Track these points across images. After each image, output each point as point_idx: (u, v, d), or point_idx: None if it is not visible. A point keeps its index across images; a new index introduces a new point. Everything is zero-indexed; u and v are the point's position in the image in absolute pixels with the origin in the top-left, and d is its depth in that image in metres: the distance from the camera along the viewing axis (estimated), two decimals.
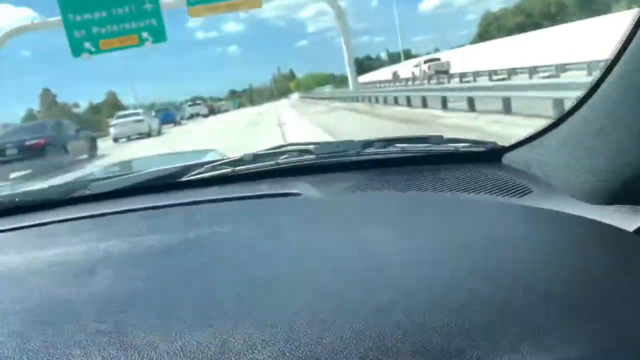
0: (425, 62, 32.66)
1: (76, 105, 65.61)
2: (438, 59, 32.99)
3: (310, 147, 1.16)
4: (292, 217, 0.87)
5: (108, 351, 0.47)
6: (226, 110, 65.73)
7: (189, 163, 1.21)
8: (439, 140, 1.12)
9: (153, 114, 31.95)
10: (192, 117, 44.79)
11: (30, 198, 1.17)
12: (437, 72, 29.21)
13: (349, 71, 26.98)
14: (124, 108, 49.14)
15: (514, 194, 0.84)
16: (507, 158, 1.02)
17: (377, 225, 0.75)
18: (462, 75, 24.75)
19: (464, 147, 1.09)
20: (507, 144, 1.03)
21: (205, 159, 1.41)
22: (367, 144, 1.12)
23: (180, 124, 36.30)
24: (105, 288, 0.62)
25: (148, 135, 22.44)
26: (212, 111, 52.76)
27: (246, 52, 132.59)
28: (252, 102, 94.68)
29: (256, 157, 1.16)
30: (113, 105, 63.58)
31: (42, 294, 0.63)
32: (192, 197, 1.03)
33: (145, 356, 0.46)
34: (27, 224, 1.00)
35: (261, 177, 1.11)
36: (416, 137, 1.15)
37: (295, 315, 0.50)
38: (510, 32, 44.20)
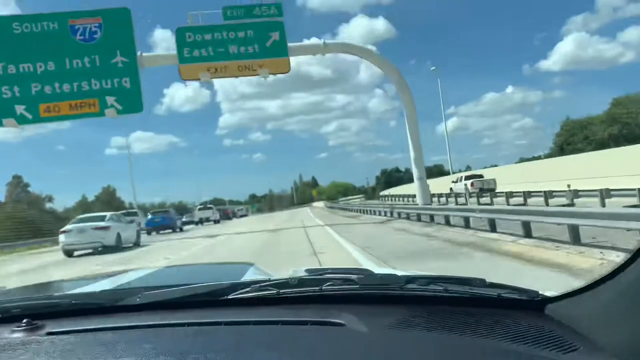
0: (467, 178, 30.91)
1: (49, 198, 57.94)
2: (481, 176, 31.49)
3: (354, 276, 1.19)
4: (335, 348, 0.89)
5: None
6: (244, 215, 63.21)
7: (236, 281, 1.27)
8: (481, 283, 1.14)
9: (135, 217, 26.56)
10: (201, 222, 42.38)
11: (85, 301, 1.23)
12: (482, 190, 27.83)
13: (417, 185, 20.82)
14: (121, 207, 44.47)
15: (557, 349, 0.84)
16: (551, 309, 1.02)
17: None
18: (509, 195, 23.03)
19: (506, 293, 1.10)
20: (550, 294, 1.05)
21: (246, 275, 1.60)
22: (410, 279, 1.15)
23: (180, 230, 31.73)
24: None
25: (116, 247, 17.49)
26: (227, 216, 50.77)
27: (269, 160, 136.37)
28: (272, 208, 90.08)
29: (301, 282, 1.20)
30: (106, 202, 57.68)
31: None
32: (237, 316, 1.08)
33: None
34: (80, 327, 1.05)
35: (305, 302, 1.14)
36: (459, 278, 1.17)
37: None
38: (602, 144, 39.41)
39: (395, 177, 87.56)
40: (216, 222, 41.59)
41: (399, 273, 1.27)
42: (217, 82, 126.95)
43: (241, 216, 56.84)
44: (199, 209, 46.04)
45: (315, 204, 75.56)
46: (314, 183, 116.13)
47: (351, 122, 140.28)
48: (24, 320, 1.04)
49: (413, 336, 0.93)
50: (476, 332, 0.92)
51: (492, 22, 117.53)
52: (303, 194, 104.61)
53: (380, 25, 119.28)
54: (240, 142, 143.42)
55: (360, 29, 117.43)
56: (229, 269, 2.35)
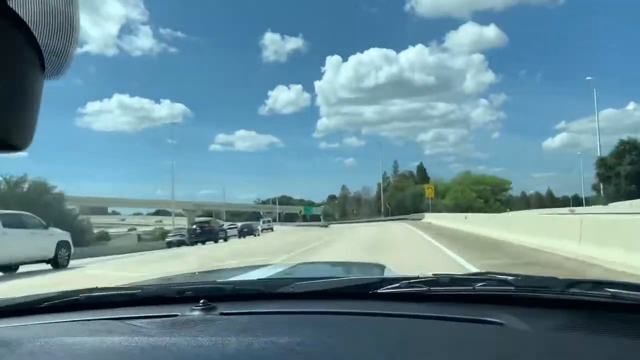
0: None
1: None
2: None
3: (510, 278, 1.17)
4: (497, 346, 0.88)
5: None
6: (267, 229, 53.02)
7: (385, 277, 1.33)
8: None
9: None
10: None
11: (247, 287, 1.37)
12: None
13: None
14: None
15: None
16: None
17: None
18: None
19: None
20: None
21: (385, 273, 1.67)
22: (573, 283, 1.11)
23: (224, 240, 33.83)
24: None
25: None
26: (206, 234, 32.87)
27: (361, 165, 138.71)
28: (345, 215, 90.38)
29: (452, 280, 1.19)
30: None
31: None
32: (388, 309, 1.08)
33: None
34: (247, 310, 1.14)
35: (455, 301, 1.13)
36: (626, 283, 1.10)
37: None
38: None
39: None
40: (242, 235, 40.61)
41: (559, 276, 1.20)
42: (318, 86, 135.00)
43: (258, 229, 45.37)
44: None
45: (429, 216, 41.63)
46: (422, 175, 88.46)
47: (450, 132, 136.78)
48: (201, 301, 1.15)
49: (580, 338, 0.91)
50: None
51: (612, 34, 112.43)
52: (399, 196, 75.92)
53: (491, 32, 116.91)
54: (335, 145, 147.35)
55: (469, 35, 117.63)
56: (364, 267, 2.43)
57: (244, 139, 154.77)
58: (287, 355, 0.81)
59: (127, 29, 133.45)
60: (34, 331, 1.05)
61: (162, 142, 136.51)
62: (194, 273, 2.34)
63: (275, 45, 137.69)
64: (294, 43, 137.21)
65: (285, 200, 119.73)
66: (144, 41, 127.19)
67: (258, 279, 1.58)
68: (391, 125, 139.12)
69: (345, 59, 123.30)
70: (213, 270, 3.30)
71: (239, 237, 38.84)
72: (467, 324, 0.99)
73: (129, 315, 1.13)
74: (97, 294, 1.31)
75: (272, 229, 55.99)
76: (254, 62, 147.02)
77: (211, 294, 1.23)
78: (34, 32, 0.43)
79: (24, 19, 0.43)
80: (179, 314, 1.12)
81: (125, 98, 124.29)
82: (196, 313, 1.12)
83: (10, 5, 0.41)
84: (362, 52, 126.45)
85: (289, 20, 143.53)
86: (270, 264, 2.89)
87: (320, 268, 2.72)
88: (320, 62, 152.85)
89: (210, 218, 44.92)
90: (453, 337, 0.91)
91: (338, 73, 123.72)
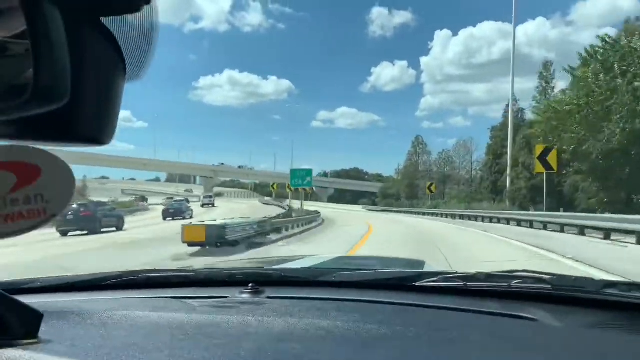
0: None
1: None
2: None
3: (546, 276, 1.19)
4: (530, 340, 0.89)
5: None
6: (209, 204, 52.64)
7: (424, 271, 1.42)
8: None
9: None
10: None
11: (292, 275, 1.44)
12: None
13: None
14: None
15: None
16: None
17: None
18: None
19: None
20: None
21: (425, 268, 1.74)
22: (609, 284, 1.12)
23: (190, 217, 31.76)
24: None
25: None
26: (86, 221, 20.99)
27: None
28: (413, 196, 59.82)
29: (489, 277, 1.22)
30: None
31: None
32: (426, 301, 1.12)
33: None
34: (292, 295, 1.22)
35: (491, 297, 1.15)
36: None
37: None
38: None
39: None
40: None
41: (595, 277, 1.25)
42: (424, 62, 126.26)
43: (176, 215, 33.81)
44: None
45: None
46: None
47: None
48: (250, 285, 1.24)
49: (612, 337, 0.91)
50: None
51: None
52: None
53: (627, 2, 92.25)
54: (439, 125, 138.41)
55: (600, 7, 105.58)
56: (404, 262, 2.43)
57: (345, 117, 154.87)
58: (327, 336, 0.86)
59: (238, 4, 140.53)
60: (101, 305, 1.15)
61: (267, 118, 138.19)
62: (245, 260, 2.63)
63: (382, 19, 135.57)
64: (402, 17, 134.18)
65: (355, 175, 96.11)
66: (253, 17, 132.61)
67: (303, 268, 1.68)
68: (502, 105, 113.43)
69: (455, 33, 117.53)
70: (263, 259, 3.57)
71: (164, 219, 32.90)
72: (502, 318, 1.02)
73: (184, 295, 1.23)
74: (155, 274, 1.43)
75: (213, 205, 53.90)
76: (359, 38, 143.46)
77: (259, 279, 1.31)
78: (120, 44, 0.51)
79: (113, 32, 0.50)
80: (229, 295, 1.22)
81: (234, 74, 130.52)
82: (245, 296, 1.21)
83: (103, 21, 0.49)
84: (474, 25, 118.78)
85: None
86: (315, 255, 3.03)
87: (362, 260, 2.92)
88: (428, 36, 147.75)
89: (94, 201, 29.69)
90: (487, 330, 0.94)
91: (447, 48, 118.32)
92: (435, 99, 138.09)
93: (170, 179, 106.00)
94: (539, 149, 26.09)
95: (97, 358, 0.68)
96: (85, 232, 20.55)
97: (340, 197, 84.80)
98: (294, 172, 31.38)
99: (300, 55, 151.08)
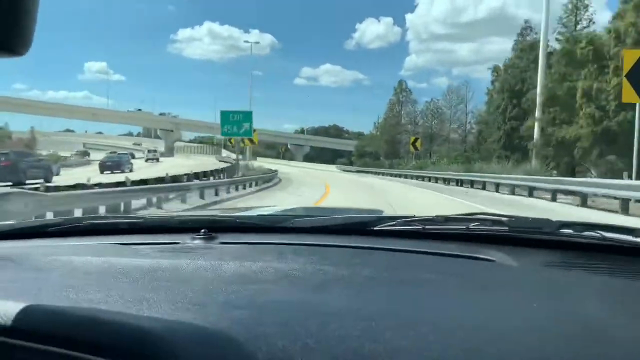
0: None
1: None
2: None
3: (503, 219, 1.19)
4: (488, 280, 0.91)
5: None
6: (153, 159, 49.85)
7: (383, 215, 1.37)
8: None
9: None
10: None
11: (248, 221, 1.41)
12: None
13: None
14: None
15: None
16: None
17: (585, 301, 0.76)
18: None
19: None
20: None
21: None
22: (565, 224, 1.12)
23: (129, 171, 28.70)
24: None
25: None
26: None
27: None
28: (395, 153, 50.61)
29: (447, 220, 1.22)
30: None
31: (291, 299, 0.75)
32: (386, 244, 1.12)
33: None
34: (246, 240, 1.19)
35: (450, 239, 1.15)
36: (618, 226, 1.11)
37: None
38: None
39: None
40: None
41: (553, 218, 1.20)
42: (409, 19, 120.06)
43: (115, 168, 31.67)
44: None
45: None
46: None
47: None
48: (202, 230, 1.20)
49: (568, 275, 0.93)
50: None
51: None
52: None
53: None
54: (423, 85, 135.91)
55: None
56: (363, 211, 2.31)
57: (329, 74, 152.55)
58: (282, 279, 0.84)
59: None
60: (41, 251, 1.12)
61: (247, 73, 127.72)
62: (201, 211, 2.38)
63: None
64: None
65: (334, 132, 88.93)
66: None
67: (258, 215, 1.60)
68: (486, 66, 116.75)
69: None
70: (215, 208, 3.40)
71: (101, 172, 29.88)
72: (460, 259, 1.02)
73: (131, 242, 1.18)
74: (101, 221, 1.39)
75: (157, 160, 50.89)
76: None
77: (213, 226, 1.26)
78: None
79: None
80: (180, 241, 1.17)
81: (215, 26, 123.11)
82: (197, 242, 1.17)
83: None
84: None
85: None
86: (272, 205, 2.86)
87: (322, 209, 2.79)
88: None
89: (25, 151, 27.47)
90: (445, 271, 0.94)
91: (433, 5, 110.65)
92: (419, 58, 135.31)
93: (147, 134, 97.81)
94: (630, 57, 13.37)
95: (29, 299, 0.65)
96: (9, 184, 17.84)
97: (318, 156, 77.75)
98: (225, 116, 21.61)
99: (284, 8, 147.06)
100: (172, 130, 71.34)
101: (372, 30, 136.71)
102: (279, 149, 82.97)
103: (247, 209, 2.28)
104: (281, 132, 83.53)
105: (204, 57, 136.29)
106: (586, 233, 1.06)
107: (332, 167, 57.92)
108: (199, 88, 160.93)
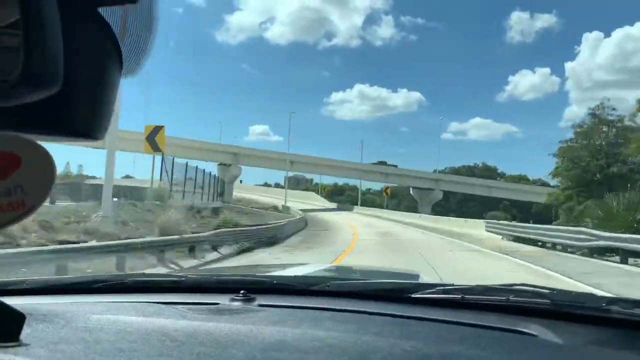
0: None
1: None
2: None
3: (544, 291, 1.18)
4: (524, 356, 0.88)
5: None
6: None
7: (421, 282, 1.39)
8: None
9: None
10: None
11: (285, 282, 1.40)
12: None
13: None
14: None
15: None
16: None
17: None
18: None
19: None
20: None
21: (420, 280, 1.65)
22: (611, 301, 1.10)
23: None
24: None
25: None
26: None
27: None
28: None
29: (487, 290, 1.19)
30: None
31: None
32: (422, 314, 1.10)
33: None
34: (284, 303, 1.19)
35: (490, 311, 1.13)
36: None
37: None
38: None
39: None
40: None
41: (597, 293, 1.17)
42: (569, 68, 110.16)
43: None
44: None
45: None
46: None
47: None
48: (241, 292, 1.21)
49: (615, 355, 0.90)
50: None
51: None
52: None
53: None
54: None
55: None
56: (398, 273, 2.38)
57: (478, 127, 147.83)
58: (320, 347, 0.84)
59: (371, 19, 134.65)
60: (87, 308, 1.13)
61: (395, 130, 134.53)
62: (236, 267, 2.50)
63: (523, 24, 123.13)
64: (545, 21, 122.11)
65: (484, 172, 64.61)
66: (385, 30, 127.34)
67: (296, 276, 1.62)
68: None
69: (607, 34, 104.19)
70: (254, 265, 3.70)
71: None
72: (500, 332, 0.99)
73: (174, 301, 1.19)
74: (145, 278, 1.43)
75: None
76: (495, 46, 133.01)
77: (250, 286, 1.28)
78: (117, 36, 0.49)
79: (110, 23, 0.48)
80: (219, 302, 1.18)
81: (364, 87, 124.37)
82: (236, 303, 1.19)
83: (100, 12, 0.47)
84: (631, 24, 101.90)
85: None
86: (308, 263, 3.14)
87: (357, 270, 2.77)
88: (574, 40, 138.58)
89: None
90: (487, 345, 0.92)
91: (596, 51, 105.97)
92: (582, 108, 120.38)
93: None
94: None
95: None
96: None
97: (455, 206, 53.59)
98: None
99: (432, 66, 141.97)
100: (229, 164, 53.39)
101: (527, 82, 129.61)
102: (387, 194, 56.60)
103: (282, 266, 2.36)
104: (408, 171, 60.05)
105: (353, 118, 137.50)
106: (634, 310, 1.03)
107: (481, 230, 23.89)
108: (346, 145, 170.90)
